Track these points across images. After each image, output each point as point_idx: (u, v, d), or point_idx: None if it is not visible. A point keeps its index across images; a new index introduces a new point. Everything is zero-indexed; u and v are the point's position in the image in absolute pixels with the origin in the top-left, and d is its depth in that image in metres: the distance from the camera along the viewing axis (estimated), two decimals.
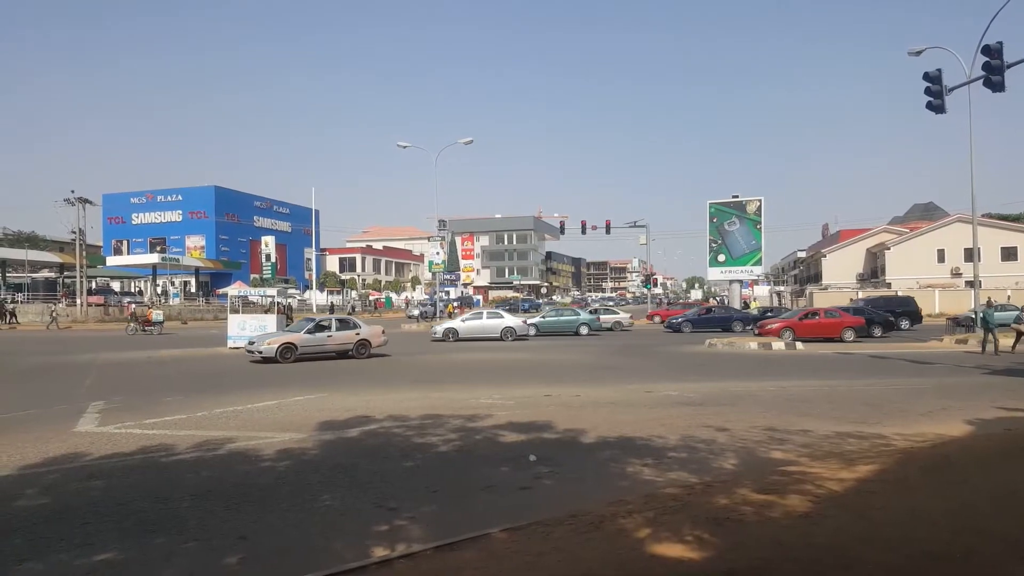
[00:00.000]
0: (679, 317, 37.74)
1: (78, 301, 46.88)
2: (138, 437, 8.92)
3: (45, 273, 59.62)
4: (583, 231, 51.76)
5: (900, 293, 43.93)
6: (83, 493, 6.42)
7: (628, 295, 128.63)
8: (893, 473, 6.55)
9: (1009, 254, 53.08)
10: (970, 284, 29.81)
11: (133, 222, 75.16)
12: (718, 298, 75.56)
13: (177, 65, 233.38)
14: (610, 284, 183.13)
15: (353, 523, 5.49)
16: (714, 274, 54.39)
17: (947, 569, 4.17)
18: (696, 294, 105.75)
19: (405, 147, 45.46)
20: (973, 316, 26.90)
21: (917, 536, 4.71)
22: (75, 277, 48.64)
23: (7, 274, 54.95)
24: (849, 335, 26.76)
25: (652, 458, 7.46)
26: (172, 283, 64.55)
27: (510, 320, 30.92)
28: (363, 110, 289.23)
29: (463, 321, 30.86)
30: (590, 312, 38.59)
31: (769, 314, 36.61)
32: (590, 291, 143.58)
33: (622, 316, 39.94)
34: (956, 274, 52.67)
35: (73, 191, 46.73)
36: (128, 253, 69.93)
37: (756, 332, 27.92)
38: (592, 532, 4.96)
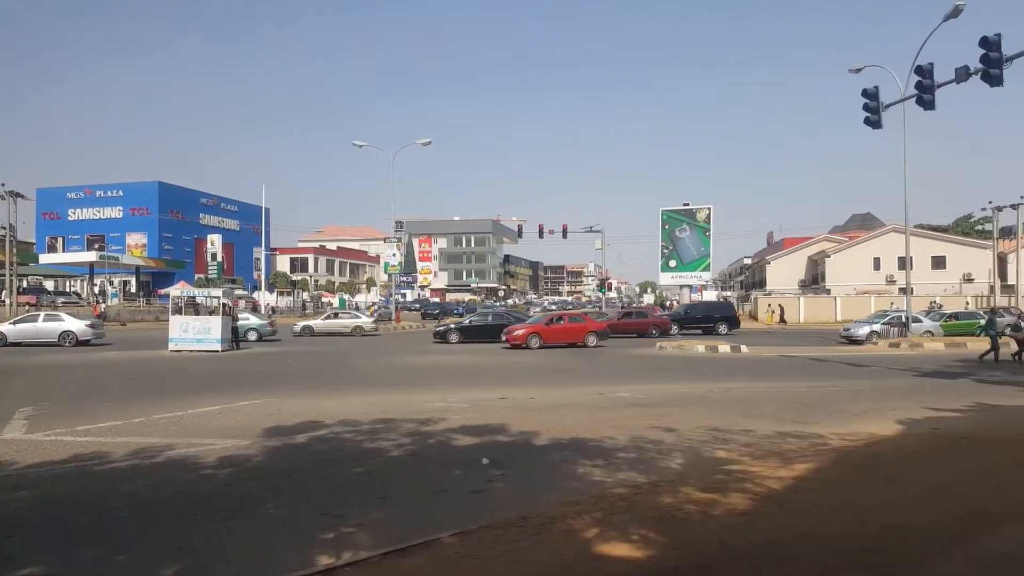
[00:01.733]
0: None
1: (7, 301, 44.71)
2: (69, 444, 8.57)
3: None
4: (540, 235, 52.08)
5: (719, 300, 46.54)
6: (7, 504, 6.14)
7: (584, 299, 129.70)
8: (829, 471, 6.79)
9: (939, 263, 55.52)
10: (903, 291, 31.02)
11: (70, 218, 72.07)
12: (669, 301, 76.83)
13: (121, 56, 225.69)
14: (567, 288, 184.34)
15: (298, 531, 5.40)
16: (666, 279, 55.46)
17: (877, 563, 4.35)
18: (648, 298, 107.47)
19: (361, 146, 45.04)
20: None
21: (850, 532, 4.90)
22: (4, 275, 46.39)
23: None
24: (592, 340, 27.10)
25: (602, 459, 7.56)
26: (111, 282, 62.18)
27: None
28: (318, 108, 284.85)
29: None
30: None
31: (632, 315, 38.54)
32: (547, 294, 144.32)
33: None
34: (891, 281, 54.78)
35: (3, 184, 44.59)
36: (64, 251, 67.10)
37: (504, 339, 27.23)
38: (542, 534, 5.00)
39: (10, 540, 5.16)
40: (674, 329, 34.47)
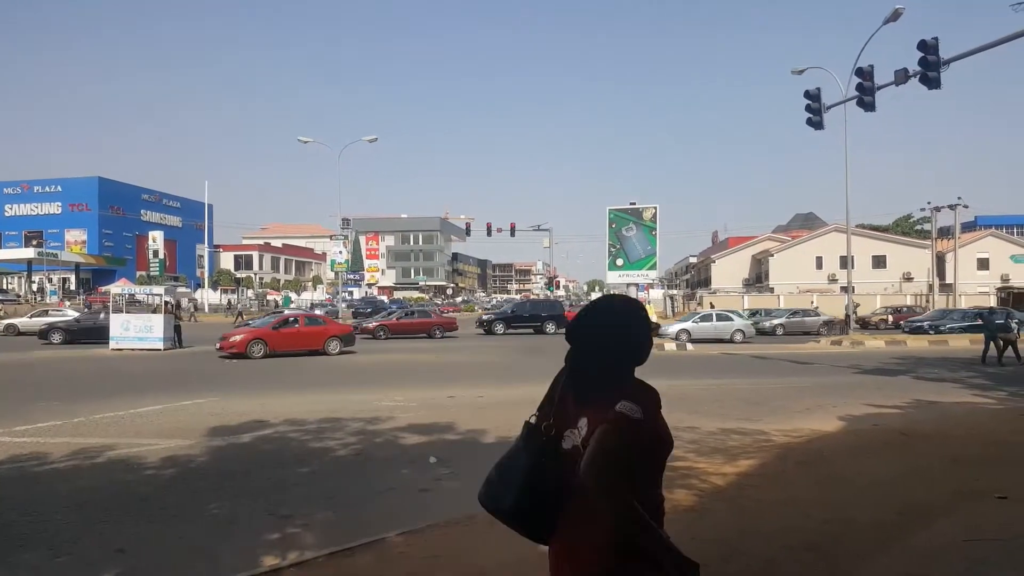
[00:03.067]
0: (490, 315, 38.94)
1: None
2: (6, 445, 8.23)
3: None
4: (488, 233, 52.15)
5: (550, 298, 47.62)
6: None
7: (533, 296, 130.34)
8: (771, 467, 6.99)
9: (879, 262, 57.65)
10: (844, 289, 32.17)
11: (6, 214, 68.96)
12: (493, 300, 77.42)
13: (59, 48, 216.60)
14: (515, 286, 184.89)
15: (242, 532, 5.30)
16: (612, 277, 56.07)
17: (817, 556, 4.51)
18: (596, 295, 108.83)
19: (307, 142, 44.28)
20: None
21: (791, 526, 5.06)
22: None
23: None
24: (334, 346, 22.72)
25: None
26: (50, 280, 59.74)
27: None
28: (263, 104, 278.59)
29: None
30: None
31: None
32: (496, 293, 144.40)
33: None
34: (832, 280, 56.64)
35: None
36: (0, 247, 64.25)
37: (218, 347, 21.37)
38: (489, 532, 5.01)
39: None
40: (500, 328, 34.69)
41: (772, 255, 61.35)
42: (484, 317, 38.62)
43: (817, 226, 70.90)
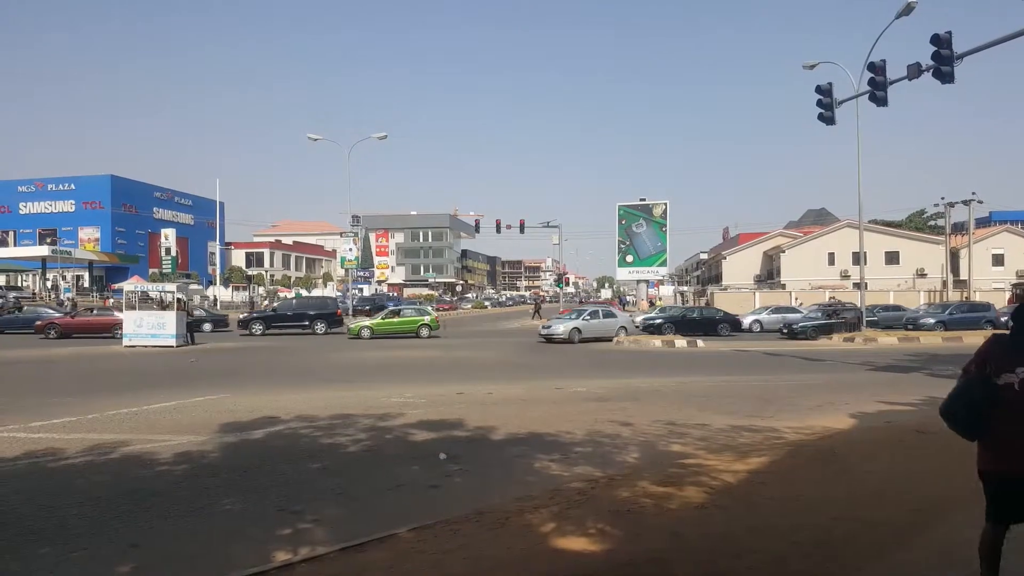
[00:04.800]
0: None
1: None
2: (23, 441, 8.33)
3: None
4: (498, 230, 52.11)
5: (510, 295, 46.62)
6: None
7: (542, 293, 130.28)
8: (782, 465, 6.97)
9: (892, 258, 57.21)
10: (857, 286, 31.98)
11: (21, 212, 69.56)
12: (626, 298, 77.57)
13: (70, 46, 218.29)
14: (524, 283, 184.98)
15: (254, 527, 5.34)
16: (622, 274, 56.11)
17: (828, 554, 4.49)
18: (606, 293, 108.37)
19: (316, 140, 44.39)
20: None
21: (804, 524, 5.04)
22: None
23: None
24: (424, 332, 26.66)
25: (559, 453, 7.62)
26: (64, 277, 60.29)
27: None
28: (273, 101, 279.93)
29: None
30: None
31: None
32: (505, 289, 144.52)
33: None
34: (845, 276, 56.30)
35: None
36: (15, 245, 64.87)
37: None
38: (498, 528, 5.04)
39: None
40: (258, 328, 31.46)
41: (784, 251, 61.03)
42: (243, 317, 35.16)
43: (829, 222, 70.44)
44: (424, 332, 30.56)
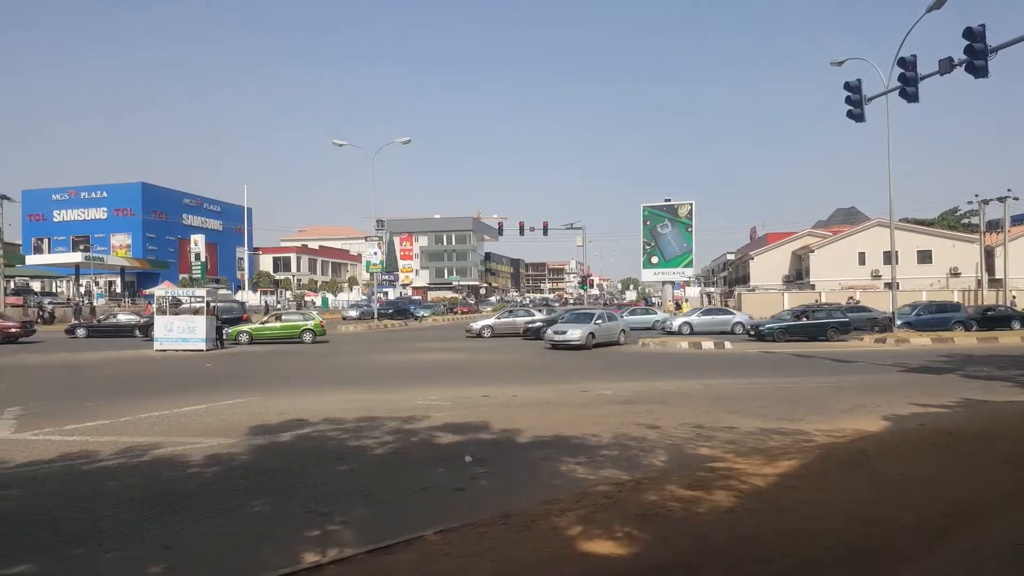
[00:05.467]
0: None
1: None
2: (58, 444, 8.52)
3: None
4: (521, 232, 52.16)
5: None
6: None
7: (566, 295, 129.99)
8: (813, 468, 6.85)
9: (925, 257, 56.04)
10: (889, 286, 31.39)
11: (55, 219, 71.29)
12: (652, 300, 77.10)
13: (102, 58, 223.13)
14: (548, 285, 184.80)
15: (283, 529, 5.39)
16: (648, 276, 55.63)
17: (861, 559, 4.41)
18: (631, 295, 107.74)
19: (341, 145, 44.74)
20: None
21: (833, 528, 4.95)
22: None
23: None
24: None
25: (585, 456, 7.59)
26: (96, 283, 61.58)
27: None
28: (298, 107, 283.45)
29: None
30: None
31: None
32: (528, 292, 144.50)
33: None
34: (876, 276, 55.28)
35: None
36: (49, 252, 66.28)
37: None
38: (525, 532, 5.03)
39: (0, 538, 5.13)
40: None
41: (813, 251, 60.13)
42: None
43: (859, 221, 69.24)
44: (307, 337, 28.98)
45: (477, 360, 20.94)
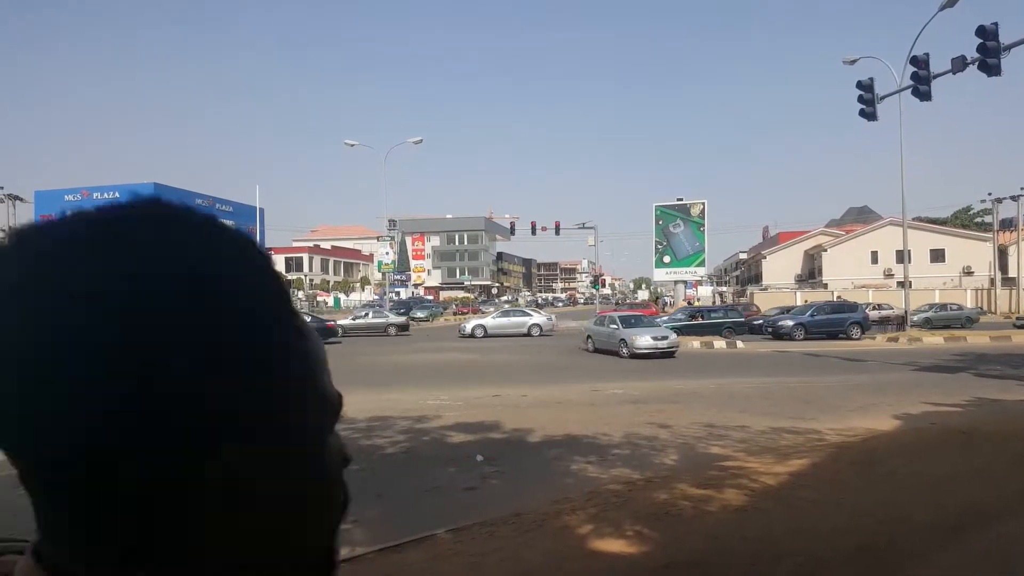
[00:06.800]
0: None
1: None
2: None
3: None
4: (533, 232, 52.10)
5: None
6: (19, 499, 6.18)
7: (578, 295, 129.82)
8: (824, 467, 6.83)
9: (937, 256, 55.58)
10: (901, 285, 31.11)
11: None
12: (664, 299, 76.83)
13: (113, 59, 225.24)
14: (560, 284, 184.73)
15: None
16: (660, 275, 55.53)
17: (872, 558, 4.39)
18: (643, 294, 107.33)
19: (353, 145, 44.94)
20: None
21: (845, 527, 4.93)
22: None
23: None
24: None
25: (596, 455, 7.59)
26: None
27: None
28: (310, 107, 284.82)
29: None
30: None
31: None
32: (541, 291, 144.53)
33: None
34: (889, 275, 54.90)
35: (2, 187, 44.79)
36: None
37: None
38: (535, 531, 5.04)
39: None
40: None
41: (825, 250, 59.78)
42: None
43: (872, 220, 68.73)
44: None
45: (486, 360, 20.97)
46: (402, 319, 36.16)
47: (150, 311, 0.37)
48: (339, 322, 34.91)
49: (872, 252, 57.39)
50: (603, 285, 69.84)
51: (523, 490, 6.37)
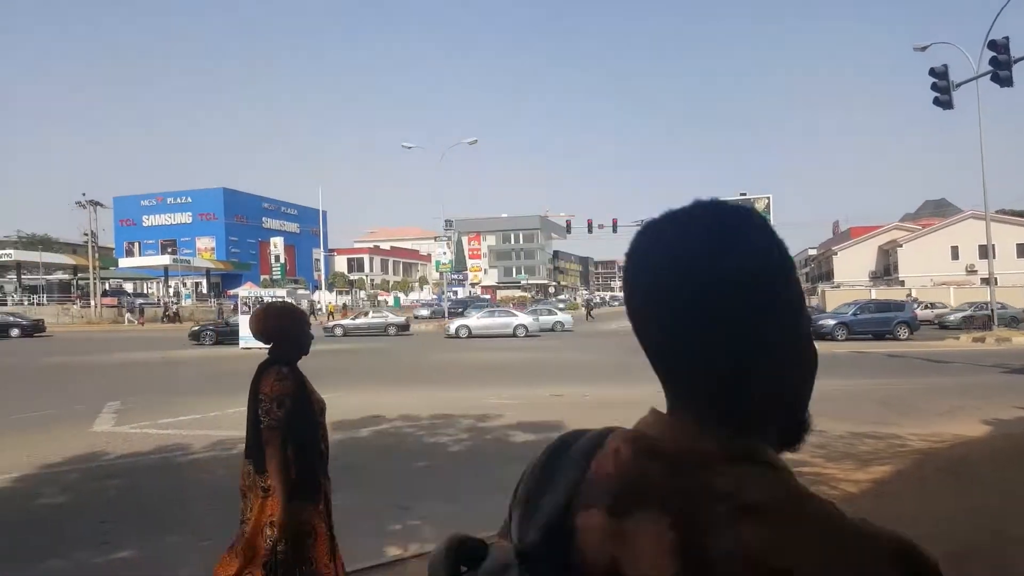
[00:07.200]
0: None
1: (92, 302, 47.21)
2: (154, 437, 8.97)
3: (59, 275, 60.10)
4: (589, 230, 51.70)
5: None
6: (101, 492, 6.48)
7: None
8: (909, 474, 6.49)
9: None
10: (985, 281, 29.49)
11: (144, 224, 75.45)
12: None
13: (184, 68, 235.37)
14: (618, 283, 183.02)
15: (365, 523, 5.47)
16: None
17: (961, 571, 4.12)
18: None
19: (410, 148, 45.54)
20: None
21: (931, 536, 4.65)
22: (88, 279, 49.04)
23: (22, 276, 55.57)
24: None
25: None
26: (184, 284, 64.89)
27: None
28: (368, 110, 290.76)
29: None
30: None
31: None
32: (598, 290, 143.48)
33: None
34: (971, 271, 52.26)
35: (84, 194, 47.31)
36: (140, 255, 70.24)
37: None
38: None
39: (103, 525, 5.43)
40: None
41: (901, 245, 57.37)
42: None
43: (950, 213, 65.60)
44: (391, 331, 33.94)
45: (542, 359, 20.89)
46: (402, 319, 36.30)
47: (769, 270, 0.66)
48: (341, 322, 35.82)
49: (952, 247, 54.77)
50: None
51: None
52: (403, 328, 34.63)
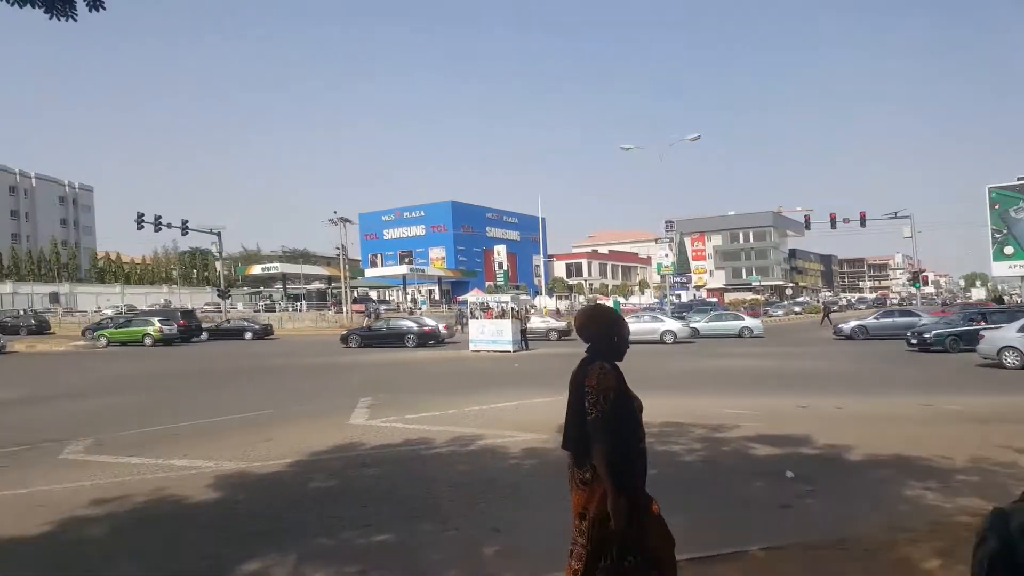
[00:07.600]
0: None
1: (344, 309, 53.49)
2: (401, 431, 9.82)
3: (316, 284, 68.97)
4: (832, 225, 47.42)
5: None
6: (360, 478, 7.21)
7: (891, 295, 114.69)
8: None
9: None
10: None
11: (385, 237, 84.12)
12: (1006, 296, 64.23)
13: (424, 90, 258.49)
14: (868, 283, 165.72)
15: None
16: (1000, 269, 46.77)
17: None
18: (978, 292, 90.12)
19: (628, 149, 45.24)
20: None
21: None
22: (340, 288, 55.71)
23: (287, 285, 64.84)
24: None
25: (936, 481, 6.48)
26: (419, 291, 71.06)
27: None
28: (584, 116, 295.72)
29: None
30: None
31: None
32: (844, 291, 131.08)
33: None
34: None
35: (336, 212, 53.89)
36: (382, 265, 78.35)
37: None
38: (867, 559, 4.45)
39: (364, 510, 6.03)
40: None
41: None
42: None
43: None
44: (148, 340, 35.15)
45: (785, 367, 19.46)
46: (563, 324, 34.47)
47: None
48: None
49: None
50: (924, 283, 59.88)
51: (846, 513, 5.67)
52: (564, 334, 33.06)
